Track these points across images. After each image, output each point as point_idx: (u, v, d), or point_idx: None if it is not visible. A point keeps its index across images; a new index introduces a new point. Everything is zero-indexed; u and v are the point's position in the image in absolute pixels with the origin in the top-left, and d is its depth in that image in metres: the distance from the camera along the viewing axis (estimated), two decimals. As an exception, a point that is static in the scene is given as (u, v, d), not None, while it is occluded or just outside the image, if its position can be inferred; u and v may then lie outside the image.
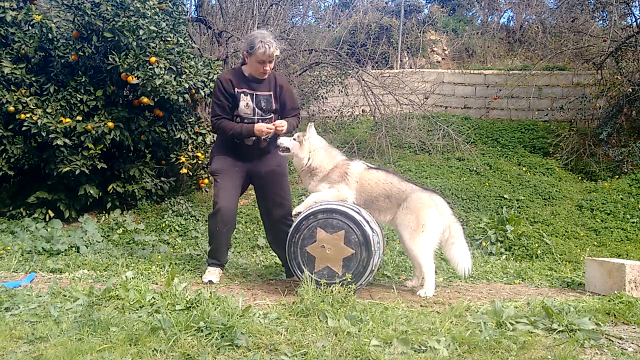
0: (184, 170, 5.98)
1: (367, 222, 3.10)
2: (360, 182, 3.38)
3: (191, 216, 5.90)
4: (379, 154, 7.84)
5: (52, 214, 5.35)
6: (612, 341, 2.31)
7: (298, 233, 3.12)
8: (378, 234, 3.21)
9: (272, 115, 3.60)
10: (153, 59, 5.09)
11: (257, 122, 3.51)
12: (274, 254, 4.85)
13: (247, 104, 3.50)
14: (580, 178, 7.75)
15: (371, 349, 2.10)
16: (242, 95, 3.50)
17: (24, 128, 5.03)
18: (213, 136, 6.19)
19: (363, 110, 9.47)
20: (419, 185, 3.49)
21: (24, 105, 5.08)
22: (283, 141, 3.47)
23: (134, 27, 5.03)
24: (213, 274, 3.60)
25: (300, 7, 11.40)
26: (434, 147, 8.10)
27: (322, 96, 8.81)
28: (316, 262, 3.07)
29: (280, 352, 2.10)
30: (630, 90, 7.71)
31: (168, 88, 5.18)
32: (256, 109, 3.53)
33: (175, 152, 6.01)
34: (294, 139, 3.46)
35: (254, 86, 3.52)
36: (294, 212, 3.33)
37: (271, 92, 3.58)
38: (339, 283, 2.92)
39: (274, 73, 3.64)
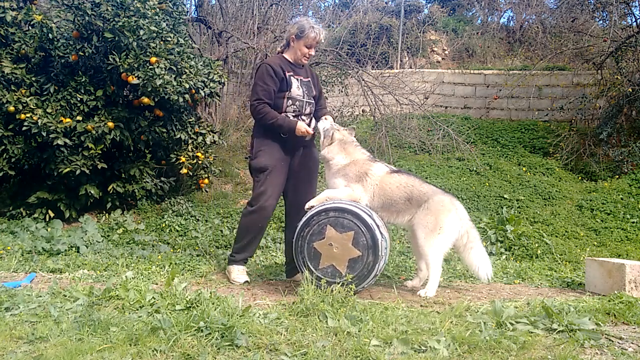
0: (184, 171, 5.98)
1: (378, 226, 3.10)
2: (381, 185, 3.35)
3: (191, 216, 5.90)
4: (379, 154, 7.83)
5: (52, 214, 5.35)
6: (612, 341, 2.32)
7: (307, 227, 3.12)
8: (387, 240, 3.22)
9: (313, 100, 3.69)
10: (153, 59, 5.09)
11: (307, 104, 3.61)
12: (274, 254, 4.85)
13: (298, 86, 3.59)
14: (580, 178, 7.75)
15: (371, 349, 2.10)
16: (292, 78, 3.57)
17: (24, 128, 5.03)
18: (213, 136, 6.19)
19: (363, 110, 9.48)
20: (438, 187, 3.50)
21: (24, 105, 5.08)
22: (320, 125, 3.56)
23: (134, 27, 5.03)
24: (242, 273, 3.61)
25: (300, 7, 11.41)
26: (434, 147, 8.10)
27: (322, 96, 8.79)
28: (322, 258, 3.07)
29: (280, 352, 2.10)
30: (630, 90, 7.71)
31: (168, 88, 5.17)
32: (304, 92, 3.63)
33: (175, 152, 6.01)
34: (327, 129, 3.53)
35: (298, 71, 3.64)
36: (307, 206, 3.33)
37: (309, 79, 3.72)
38: (340, 283, 2.92)
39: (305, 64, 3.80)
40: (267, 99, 3.50)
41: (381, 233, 3.09)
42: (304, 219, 3.18)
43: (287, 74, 3.54)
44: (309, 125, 3.65)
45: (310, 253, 3.10)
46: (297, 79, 3.60)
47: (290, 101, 3.56)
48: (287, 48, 3.67)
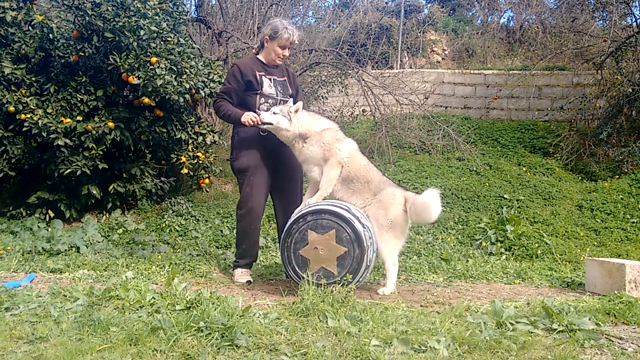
0: (185, 170, 5.98)
1: (357, 218, 3.11)
2: (349, 159, 3.41)
3: (191, 216, 5.90)
4: (379, 154, 7.84)
5: (52, 214, 5.35)
6: (612, 341, 2.32)
7: (290, 237, 3.13)
8: (369, 229, 3.22)
9: (290, 99, 3.71)
10: (154, 59, 5.09)
11: (280, 102, 3.61)
12: (274, 254, 4.86)
13: (270, 85, 3.64)
14: (580, 178, 7.75)
15: (371, 349, 2.10)
16: (263, 77, 3.63)
17: (24, 128, 5.03)
18: (213, 136, 6.19)
19: (363, 110, 9.47)
20: (394, 182, 3.58)
21: (25, 105, 5.08)
22: (265, 118, 3.44)
23: (135, 27, 5.03)
24: (246, 274, 3.64)
25: (300, 7, 11.41)
26: (434, 147, 8.10)
27: (322, 96, 8.80)
28: (311, 264, 3.07)
29: (280, 352, 2.10)
30: (630, 90, 7.71)
31: (169, 88, 5.17)
32: (278, 91, 3.68)
33: (175, 152, 6.00)
34: (277, 113, 3.44)
35: (271, 71, 3.70)
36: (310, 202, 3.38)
37: (285, 78, 3.77)
38: (336, 282, 2.93)
39: (283, 63, 3.82)
40: (227, 97, 3.60)
41: (362, 224, 3.10)
42: (285, 229, 3.20)
43: (258, 74, 3.61)
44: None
45: (298, 261, 3.10)
46: (270, 79, 3.66)
47: (263, 99, 3.62)
48: (261, 49, 3.73)
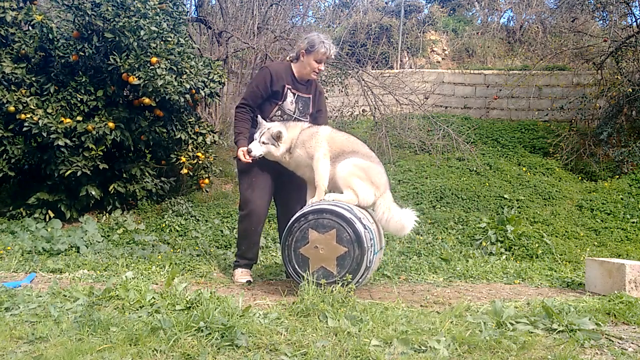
0: (185, 171, 5.98)
1: (359, 219, 3.11)
2: (330, 141, 3.48)
3: (191, 216, 5.90)
4: (379, 154, 7.81)
5: (52, 215, 5.35)
6: (612, 341, 2.32)
7: (290, 236, 3.14)
8: (371, 231, 3.22)
9: (308, 117, 3.73)
10: (154, 59, 5.09)
11: (295, 120, 3.63)
12: (274, 254, 4.86)
13: (292, 101, 3.64)
14: (580, 178, 7.75)
15: (371, 349, 2.10)
16: (289, 91, 3.62)
17: (24, 128, 5.03)
18: (213, 136, 6.20)
19: (363, 110, 9.47)
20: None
21: (25, 105, 5.08)
22: (256, 152, 3.47)
23: (135, 27, 5.03)
24: (246, 275, 3.64)
25: (300, 7, 11.39)
26: (434, 147, 8.10)
27: (322, 96, 8.79)
28: (311, 263, 3.08)
29: (280, 352, 2.10)
30: (630, 90, 7.71)
31: (169, 88, 5.17)
32: (297, 108, 3.68)
33: (175, 152, 6.01)
34: (266, 143, 3.46)
35: (298, 87, 3.67)
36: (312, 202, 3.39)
37: (310, 96, 3.74)
38: (336, 282, 2.93)
39: (317, 77, 3.81)
40: (252, 102, 3.60)
41: (363, 225, 3.10)
42: (286, 228, 3.21)
43: (286, 86, 3.59)
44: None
45: (298, 260, 3.11)
46: (294, 93, 3.64)
47: (279, 111, 3.63)
48: (296, 61, 3.69)
